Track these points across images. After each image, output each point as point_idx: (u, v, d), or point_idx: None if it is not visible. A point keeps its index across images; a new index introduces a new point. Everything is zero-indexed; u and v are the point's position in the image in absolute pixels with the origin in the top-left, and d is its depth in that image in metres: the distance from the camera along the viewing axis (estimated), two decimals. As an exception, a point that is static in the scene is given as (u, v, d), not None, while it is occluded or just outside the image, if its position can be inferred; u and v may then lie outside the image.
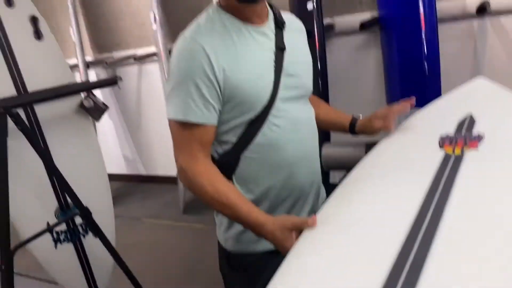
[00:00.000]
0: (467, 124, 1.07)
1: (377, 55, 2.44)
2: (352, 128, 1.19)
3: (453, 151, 0.96)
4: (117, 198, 3.19)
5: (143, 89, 3.37)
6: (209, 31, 0.97)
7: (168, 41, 2.87)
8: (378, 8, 2.35)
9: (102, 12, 3.30)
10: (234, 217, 0.96)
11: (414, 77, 2.16)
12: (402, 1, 2.12)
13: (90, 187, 1.90)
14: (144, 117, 3.45)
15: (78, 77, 3.24)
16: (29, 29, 1.67)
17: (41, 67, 1.69)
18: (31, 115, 1.71)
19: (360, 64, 2.51)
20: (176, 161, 0.98)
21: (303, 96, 1.09)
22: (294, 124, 1.03)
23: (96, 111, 1.80)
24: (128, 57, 3.15)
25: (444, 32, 2.18)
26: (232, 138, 1.01)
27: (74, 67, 3.28)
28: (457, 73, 2.22)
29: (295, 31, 1.11)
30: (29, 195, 1.76)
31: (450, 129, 1.06)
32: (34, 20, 1.68)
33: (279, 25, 1.05)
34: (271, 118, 1.00)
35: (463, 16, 2.17)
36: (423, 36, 2.05)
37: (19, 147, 1.61)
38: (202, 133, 0.96)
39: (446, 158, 0.93)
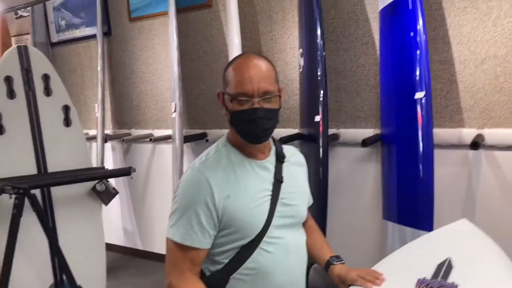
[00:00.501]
0: (444, 270, 1.14)
1: (376, 169, 2.57)
2: (326, 269, 1.26)
3: None
4: (111, 270, 3.22)
5: (153, 166, 3.52)
6: (216, 164, 1.11)
7: (184, 127, 3.07)
8: (381, 126, 2.52)
9: (127, 92, 3.55)
10: None
11: (409, 196, 2.26)
12: (402, 123, 2.29)
13: (87, 266, 1.97)
14: (149, 194, 3.57)
15: (95, 147, 3.42)
16: (61, 116, 1.85)
17: (64, 151, 1.85)
18: (46, 193, 1.83)
19: (360, 175, 2.64)
20: (167, 276, 1.08)
21: (297, 224, 1.20)
22: (285, 251, 1.13)
23: (106, 195, 1.93)
24: (145, 136, 3.33)
25: (442, 157, 2.32)
26: (224, 259, 1.11)
27: (93, 138, 3.48)
28: (450, 196, 2.33)
29: (295, 164, 1.25)
30: (29, 268, 1.83)
31: (428, 272, 1.13)
32: (66, 109, 1.87)
33: (279, 159, 1.19)
34: (263, 245, 1.10)
35: (459, 146, 2.32)
36: (420, 159, 2.19)
37: (29, 222, 1.72)
38: (194, 255, 1.07)
39: None
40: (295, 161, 1.26)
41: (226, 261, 1.10)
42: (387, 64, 2.39)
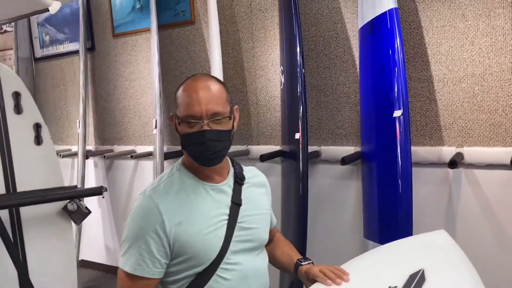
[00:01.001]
0: (416, 281, 1.09)
1: (358, 187, 2.55)
2: (296, 272, 1.23)
3: None
4: (90, 289, 3.16)
5: (135, 183, 3.47)
6: (167, 189, 1.09)
7: (165, 143, 3.04)
8: (361, 144, 2.51)
9: (110, 107, 3.52)
10: None
11: (389, 215, 2.24)
12: (381, 141, 2.28)
13: (59, 286, 1.92)
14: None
15: (76, 164, 3.38)
16: (32, 134, 1.82)
17: (35, 170, 1.82)
18: (15, 213, 1.79)
19: (342, 193, 2.62)
20: None
21: (256, 248, 1.17)
22: (243, 277, 1.10)
23: (78, 215, 1.89)
24: (127, 153, 3.30)
25: (422, 175, 2.31)
26: (179, 288, 1.07)
27: (75, 154, 3.43)
28: (431, 215, 2.32)
29: (255, 185, 1.22)
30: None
31: (399, 281, 1.07)
32: (37, 127, 1.84)
33: (238, 181, 1.16)
34: (219, 272, 1.07)
35: (439, 164, 2.31)
36: (398, 177, 2.17)
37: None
38: (144, 284, 1.04)
39: None
40: (256, 182, 1.24)
41: (182, 290, 1.07)
42: (367, 82, 2.39)
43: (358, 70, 2.48)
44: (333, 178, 2.65)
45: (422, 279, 1.09)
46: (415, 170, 2.34)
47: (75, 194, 1.86)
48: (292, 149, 2.53)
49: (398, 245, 1.30)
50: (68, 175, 3.69)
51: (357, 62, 2.48)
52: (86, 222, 3.52)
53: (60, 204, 1.87)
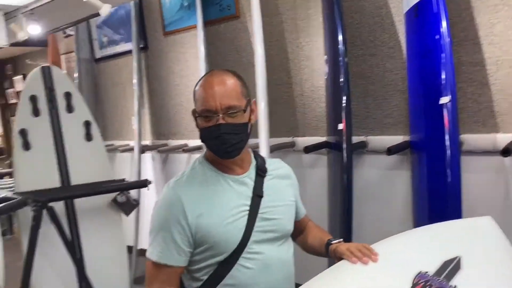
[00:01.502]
0: (450, 269, 1.03)
1: (407, 177, 2.47)
2: (327, 252, 1.21)
3: None
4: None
5: (189, 176, 3.59)
6: (190, 182, 1.12)
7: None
8: (410, 133, 2.42)
9: (164, 104, 3.66)
10: None
11: (438, 205, 2.15)
12: (429, 129, 2.18)
13: (110, 275, 2.05)
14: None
15: (132, 158, 3.56)
16: (82, 131, 1.95)
17: (86, 165, 1.95)
18: (70, 205, 1.93)
19: (390, 183, 2.54)
20: None
21: (279, 238, 1.17)
22: (265, 267, 1.12)
23: (127, 206, 2.00)
24: (180, 147, 3.42)
25: (474, 164, 2.19)
26: (203, 276, 1.11)
27: (132, 149, 3.61)
28: (484, 205, 2.19)
29: (278, 177, 1.23)
30: (56, 277, 1.93)
31: (432, 267, 1.02)
32: (87, 124, 1.96)
33: (260, 173, 1.18)
34: (241, 261, 1.10)
35: (493, 152, 2.17)
36: (447, 166, 2.07)
37: (54, 232, 1.82)
38: (170, 273, 1.09)
39: None
40: (279, 174, 1.24)
41: (205, 278, 1.10)
42: (414, 68, 2.30)
43: (405, 56, 2.38)
44: (381, 168, 2.58)
45: (457, 267, 1.03)
46: (467, 159, 2.23)
47: (123, 186, 1.97)
48: (336, 140, 2.49)
49: (438, 228, 1.22)
50: (128, 169, 3.88)
51: (404, 47, 2.38)
52: (144, 213, 3.71)
53: (110, 196, 1.99)
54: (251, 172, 1.18)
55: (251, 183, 1.16)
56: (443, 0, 2.02)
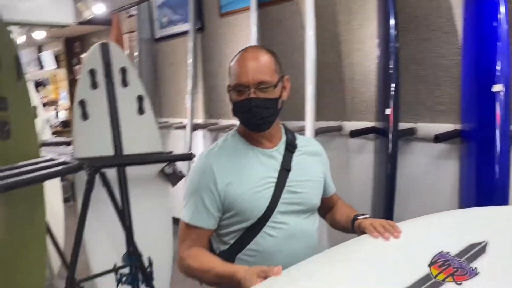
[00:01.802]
0: (474, 252, 1.01)
1: (455, 167, 2.40)
2: (353, 227, 1.24)
3: (437, 275, 0.93)
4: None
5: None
6: (221, 152, 1.19)
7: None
8: (461, 121, 2.34)
9: (216, 84, 3.76)
10: (215, 276, 1.08)
11: (485, 198, 2.08)
12: (480, 119, 2.11)
13: (156, 240, 2.18)
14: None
15: (185, 135, 3.71)
16: (135, 105, 2.08)
17: (137, 136, 2.07)
18: (122, 173, 2.08)
19: (438, 172, 2.48)
20: (178, 252, 1.19)
21: (305, 211, 1.22)
22: (289, 236, 1.17)
23: (173, 177, 2.11)
24: (228, 127, 3.51)
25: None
26: (230, 240, 1.18)
27: (185, 127, 3.76)
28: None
29: (307, 154, 1.27)
30: (106, 239, 2.10)
31: (456, 248, 1.02)
32: (140, 99, 2.08)
33: (289, 148, 1.22)
34: (266, 229, 1.16)
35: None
36: (496, 159, 2.00)
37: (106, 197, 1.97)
38: (199, 233, 1.17)
39: (425, 278, 0.92)
40: (309, 151, 1.28)
41: (232, 242, 1.17)
42: (469, 55, 2.22)
43: (460, 42, 2.30)
44: (429, 157, 2.52)
45: (481, 251, 1.01)
46: (520, 152, 2.13)
47: (169, 158, 2.09)
48: (383, 126, 2.47)
49: (469, 212, 1.21)
50: (181, 145, 4.04)
51: (460, 33, 2.30)
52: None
53: (159, 167, 2.11)
54: (281, 147, 1.23)
55: (279, 157, 1.21)
56: (503, -16, 1.93)
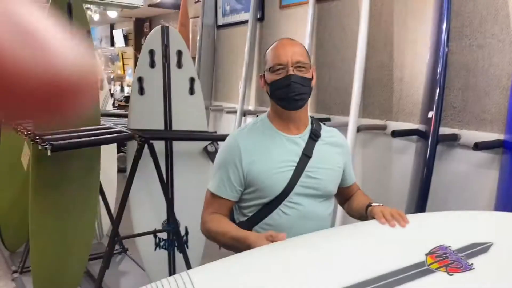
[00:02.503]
0: (475, 250, 1.04)
1: (494, 177, 2.37)
2: (366, 214, 1.31)
3: (431, 263, 0.98)
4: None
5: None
6: (249, 133, 1.31)
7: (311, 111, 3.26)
8: (506, 132, 2.31)
9: (270, 73, 3.88)
10: (230, 239, 1.21)
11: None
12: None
13: (194, 212, 2.35)
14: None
15: (235, 120, 3.87)
16: (187, 86, 2.25)
17: (187, 115, 2.25)
18: (169, 146, 2.26)
19: (477, 181, 2.47)
20: (201, 216, 1.33)
21: (321, 196, 1.32)
22: (302, 217, 1.28)
23: (215, 156, 2.26)
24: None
25: None
26: (249, 213, 1.31)
27: (235, 112, 3.92)
28: None
29: (330, 144, 1.36)
30: (149, 205, 2.30)
31: (458, 244, 1.06)
32: (192, 80, 2.25)
33: (313, 136, 1.32)
34: (282, 207, 1.27)
35: None
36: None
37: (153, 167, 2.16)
38: (222, 203, 1.30)
39: (419, 265, 0.98)
40: (332, 142, 1.37)
41: (250, 214, 1.30)
42: (521, 65, 2.18)
43: (515, 51, 2.26)
44: (470, 164, 2.50)
45: (483, 250, 1.04)
46: None
47: (213, 137, 2.25)
48: (425, 129, 2.48)
49: (483, 214, 1.25)
50: (231, 128, 4.22)
51: (516, 42, 2.26)
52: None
53: (202, 144, 2.28)
54: (305, 134, 1.33)
55: (302, 143, 1.31)
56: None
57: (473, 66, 2.44)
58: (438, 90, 2.33)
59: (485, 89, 2.40)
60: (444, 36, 2.31)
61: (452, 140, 2.53)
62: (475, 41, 2.43)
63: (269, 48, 1.35)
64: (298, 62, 1.28)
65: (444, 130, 2.51)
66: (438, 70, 2.34)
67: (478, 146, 2.23)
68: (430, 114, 2.37)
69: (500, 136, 2.33)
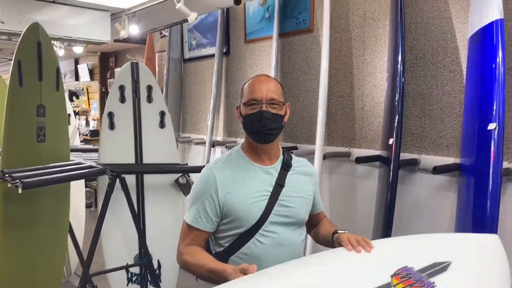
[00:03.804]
0: (436, 269, 1.12)
1: (453, 199, 2.51)
2: (332, 241, 1.37)
3: (397, 284, 1.05)
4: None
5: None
6: (225, 165, 1.37)
7: (278, 140, 3.36)
8: (460, 155, 2.46)
9: (235, 104, 3.97)
10: (207, 271, 1.24)
11: (478, 232, 2.18)
12: (475, 154, 2.23)
13: (166, 244, 2.36)
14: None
15: (203, 151, 3.92)
16: (157, 119, 2.29)
17: (157, 148, 2.28)
18: (140, 179, 2.28)
19: (437, 203, 2.60)
20: (177, 248, 1.36)
21: (294, 223, 1.38)
22: (277, 244, 1.33)
23: (186, 187, 2.30)
24: (245, 145, 3.70)
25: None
26: (225, 243, 1.35)
27: (204, 143, 3.97)
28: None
29: (300, 173, 1.43)
30: (121, 239, 2.29)
31: (420, 264, 1.13)
32: (162, 114, 2.30)
33: (285, 167, 1.39)
34: (258, 236, 1.32)
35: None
36: (488, 194, 2.11)
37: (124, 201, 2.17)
38: (198, 234, 1.34)
39: (385, 286, 1.04)
40: (302, 171, 1.44)
41: (227, 245, 1.34)
42: (470, 93, 2.35)
43: (464, 80, 2.44)
44: (430, 187, 2.64)
45: (443, 269, 1.11)
46: (517, 188, 2.24)
47: (183, 169, 2.28)
48: (387, 154, 2.61)
49: (442, 236, 1.33)
50: (200, 159, 4.26)
51: (465, 72, 2.44)
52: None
53: (174, 177, 2.31)
54: (277, 165, 1.40)
55: (275, 173, 1.38)
56: (502, 30, 2.08)
57: (428, 95, 2.61)
58: (397, 117, 2.47)
59: (440, 116, 2.57)
60: (400, 67, 2.47)
61: (413, 164, 2.67)
62: (428, 72, 2.61)
63: (246, 83, 1.42)
64: (272, 99, 1.35)
65: (404, 156, 2.65)
66: (396, 99, 2.48)
67: (437, 170, 2.36)
68: (391, 141, 2.50)
69: (456, 160, 2.48)
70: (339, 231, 1.35)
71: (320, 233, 1.46)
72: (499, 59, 2.07)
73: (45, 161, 2.01)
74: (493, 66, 2.11)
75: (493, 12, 2.10)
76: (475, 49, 2.28)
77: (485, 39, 2.17)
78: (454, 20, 2.48)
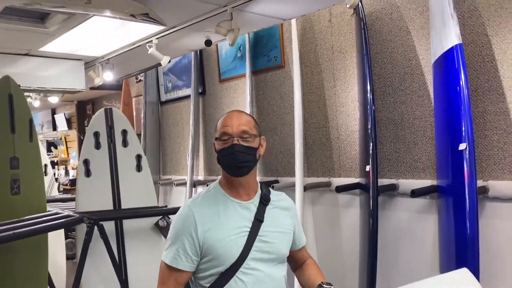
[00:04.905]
0: None
1: (434, 221, 2.53)
2: None
3: None
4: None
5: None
6: (203, 202, 1.37)
7: (258, 175, 3.36)
8: (437, 177, 2.50)
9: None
10: None
11: (460, 251, 2.19)
12: (450, 175, 2.27)
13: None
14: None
15: (185, 191, 3.89)
16: (134, 163, 2.29)
17: (135, 192, 2.27)
18: (119, 225, 2.25)
19: (418, 226, 2.61)
20: None
21: (274, 259, 1.36)
22: (259, 282, 1.31)
23: (167, 230, 2.26)
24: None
25: (501, 211, 2.23)
26: (206, 284, 1.33)
27: (185, 183, 3.95)
28: (499, 254, 2.20)
29: (279, 208, 1.43)
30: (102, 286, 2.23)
31: None
32: (138, 157, 2.30)
33: (263, 201, 1.39)
34: (239, 274, 1.30)
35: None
36: (466, 212, 2.13)
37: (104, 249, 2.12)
38: (178, 276, 1.32)
39: None
40: (280, 205, 1.44)
41: (208, 285, 1.31)
42: (439, 116, 2.42)
43: (433, 104, 2.51)
44: (410, 211, 2.66)
45: None
46: (493, 205, 2.28)
47: (163, 211, 2.26)
48: (365, 181, 2.64)
49: (417, 285, 1.35)
50: (182, 200, 4.22)
51: (432, 96, 2.52)
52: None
53: (153, 220, 2.28)
54: (256, 200, 1.40)
55: (254, 209, 1.38)
56: (462, 54, 2.17)
57: (400, 120, 2.67)
58: (371, 145, 2.51)
59: (413, 140, 2.62)
60: (369, 96, 2.53)
61: (392, 190, 2.69)
62: (398, 98, 2.68)
63: (220, 119, 1.44)
64: (244, 131, 1.36)
65: (383, 181, 2.68)
66: (369, 127, 2.54)
67: (415, 193, 2.39)
68: (368, 168, 2.54)
69: (434, 182, 2.52)
70: (324, 285, 1.34)
71: (304, 279, 1.44)
72: (462, 82, 2.15)
73: (21, 213, 1.97)
74: (458, 88, 2.19)
75: (452, 38, 2.19)
76: (439, 74, 2.36)
77: (447, 64, 2.25)
78: (417, 47, 2.58)
